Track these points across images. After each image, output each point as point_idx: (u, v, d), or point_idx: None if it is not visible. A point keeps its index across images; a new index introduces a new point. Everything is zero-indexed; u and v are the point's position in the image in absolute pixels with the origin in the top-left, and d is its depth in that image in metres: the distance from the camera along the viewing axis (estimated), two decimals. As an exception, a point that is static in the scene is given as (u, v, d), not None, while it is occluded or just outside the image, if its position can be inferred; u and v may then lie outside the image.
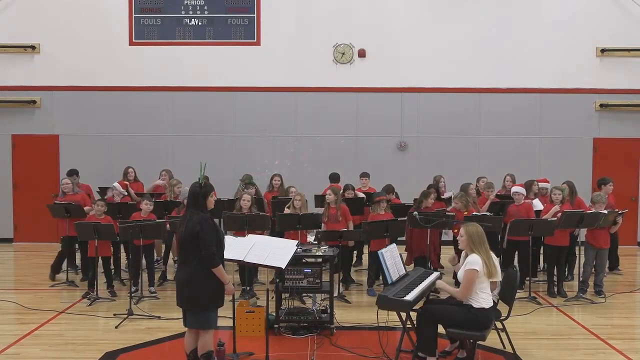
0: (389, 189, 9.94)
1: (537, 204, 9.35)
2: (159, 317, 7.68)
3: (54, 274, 9.66)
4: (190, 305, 5.37)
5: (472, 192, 9.82)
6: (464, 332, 5.84)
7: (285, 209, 9.07)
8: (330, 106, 12.89)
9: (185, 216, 5.41)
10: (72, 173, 10.46)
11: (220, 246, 5.41)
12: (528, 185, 9.73)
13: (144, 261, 8.78)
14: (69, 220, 9.16)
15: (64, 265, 9.88)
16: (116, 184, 9.97)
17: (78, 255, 10.49)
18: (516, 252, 9.22)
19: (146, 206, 8.80)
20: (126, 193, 9.90)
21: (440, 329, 5.95)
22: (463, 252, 6.06)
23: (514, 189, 9.50)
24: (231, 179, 11.16)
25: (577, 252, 9.29)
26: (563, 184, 9.42)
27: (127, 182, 10.38)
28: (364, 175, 10.76)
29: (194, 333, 5.48)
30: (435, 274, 6.56)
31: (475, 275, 5.76)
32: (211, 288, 5.30)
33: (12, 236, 12.94)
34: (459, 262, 6.20)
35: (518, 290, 8.46)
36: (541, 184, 9.88)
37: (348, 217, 9.13)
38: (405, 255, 8.66)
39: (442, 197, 10.20)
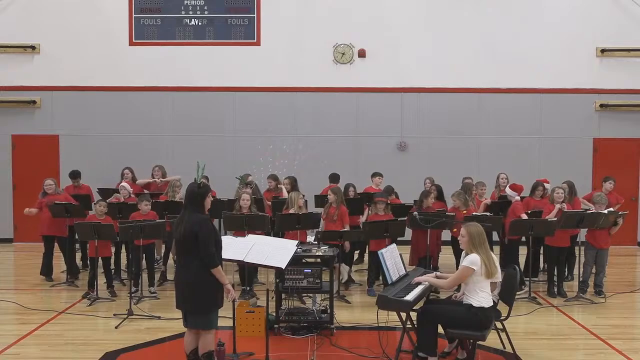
0: (389, 190, 9.94)
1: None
2: (159, 317, 7.68)
3: (49, 274, 9.67)
4: (192, 306, 5.36)
5: (475, 191, 9.83)
6: (464, 332, 5.84)
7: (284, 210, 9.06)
8: (330, 106, 12.89)
9: (183, 216, 5.37)
10: (76, 175, 10.47)
11: (219, 247, 5.40)
12: (534, 187, 9.65)
13: (144, 262, 8.78)
14: (67, 220, 9.20)
15: (64, 265, 9.90)
16: (124, 184, 9.95)
17: (78, 255, 10.51)
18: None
19: (146, 207, 8.81)
20: (131, 192, 9.89)
21: (441, 329, 5.95)
22: (463, 252, 6.06)
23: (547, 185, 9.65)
24: (231, 179, 11.15)
25: (576, 253, 9.29)
26: (563, 183, 9.41)
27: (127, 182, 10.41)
28: (377, 174, 10.73)
29: (194, 333, 5.47)
30: (434, 274, 6.55)
31: (470, 274, 5.76)
32: (213, 289, 5.30)
33: (12, 236, 12.94)
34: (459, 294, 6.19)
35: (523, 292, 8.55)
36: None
37: (345, 220, 9.10)
38: (407, 256, 8.67)
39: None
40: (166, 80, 12.78)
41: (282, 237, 8.64)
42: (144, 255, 8.69)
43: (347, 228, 9.05)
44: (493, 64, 12.74)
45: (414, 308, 5.93)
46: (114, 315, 7.73)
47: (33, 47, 12.76)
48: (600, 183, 10.08)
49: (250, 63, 12.78)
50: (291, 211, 8.86)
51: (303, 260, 7.29)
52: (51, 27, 12.73)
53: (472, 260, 5.77)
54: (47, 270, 9.64)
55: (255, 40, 12.84)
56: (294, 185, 10.38)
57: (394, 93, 12.86)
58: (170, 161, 12.09)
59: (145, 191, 10.51)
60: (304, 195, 9.50)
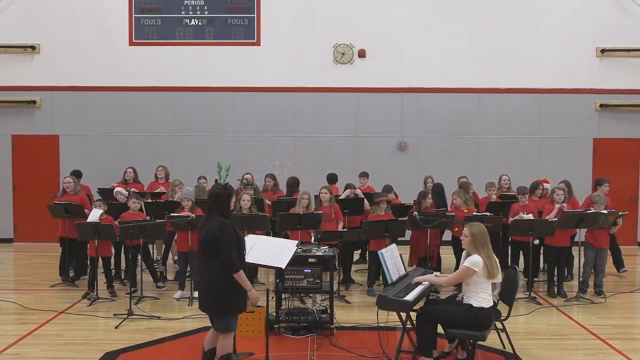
0: (388, 189, 9.93)
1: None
2: (159, 317, 7.68)
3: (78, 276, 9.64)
4: (211, 309, 5.36)
5: (471, 191, 9.84)
6: (464, 332, 5.83)
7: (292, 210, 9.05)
8: (330, 106, 12.89)
9: (207, 219, 5.36)
10: (78, 175, 10.44)
11: (241, 252, 5.36)
12: (533, 187, 9.65)
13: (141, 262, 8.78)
14: (69, 221, 9.16)
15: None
16: (119, 189, 9.91)
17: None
18: (520, 253, 9.25)
19: (134, 204, 8.78)
20: (127, 193, 9.85)
21: (440, 329, 5.95)
22: (464, 251, 6.05)
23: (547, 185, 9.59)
24: (231, 179, 11.14)
25: (577, 252, 9.27)
26: (560, 183, 9.40)
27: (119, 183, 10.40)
28: (363, 175, 10.74)
29: (215, 333, 5.48)
30: (435, 274, 6.55)
31: (471, 274, 5.75)
32: (232, 293, 5.26)
33: (12, 236, 12.94)
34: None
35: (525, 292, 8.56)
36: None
37: (339, 217, 9.14)
38: (407, 257, 8.67)
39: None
40: (166, 80, 12.78)
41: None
42: (138, 255, 8.69)
43: (340, 225, 9.09)
44: (493, 64, 12.74)
45: (414, 308, 5.93)
46: (114, 315, 7.73)
47: (33, 47, 12.76)
48: (595, 185, 10.01)
49: (250, 63, 12.78)
50: (300, 211, 8.85)
51: (309, 260, 7.30)
52: (51, 27, 12.73)
53: (474, 261, 5.76)
54: (75, 270, 9.61)
55: (255, 40, 12.84)
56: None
57: (394, 93, 12.86)
58: (170, 161, 12.09)
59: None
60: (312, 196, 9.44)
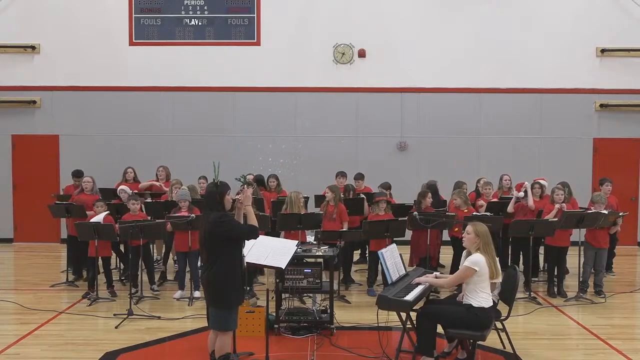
0: (386, 186, 9.92)
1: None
2: (159, 317, 7.68)
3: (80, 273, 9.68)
4: (211, 303, 5.42)
5: (465, 190, 9.85)
6: (464, 332, 5.83)
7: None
8: (330, 106, 12.89)
9: (205, 218, 5.42)
10: (79, 175, 10.43)
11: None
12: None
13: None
14: (71, 220, 9.16)
15: (64, 265, 9.89)
16: (124, 187, 9.90)
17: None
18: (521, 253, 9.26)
19: (133, 206, 8.77)
20: (131, 193, 9.83)
21: (440, 329, 5.95)
22: (464, 251, 6.05)
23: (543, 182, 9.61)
24: (231, 179, 11.11)
25: (578, 252, 9.27)
26: (558, 184, 9.38)
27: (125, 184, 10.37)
28: (358, 177, 10.68)
29: (216, 333, 5.49)
30: (435, 274, 6.54)
31: (471, 274, 5.75)
32: (228, 287, 5.29)
33: (12, 236, 12.94)
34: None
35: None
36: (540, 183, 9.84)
37: (344, 218, 9.10)
38: (407, 256, 8.66)
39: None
40: (166, 80, 12.78)
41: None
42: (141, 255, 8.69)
43: (345, 226, 9.05)
44: (493, 64, 12.75)
45: (414, 308, 5.93)
46: (114, 315, 7.73)
47: (33, 47, 12.76)
48: (598, 184, 10.02)
49: (250, 63, 12.78)
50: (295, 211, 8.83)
51: (304, 260, 7.30)
52: (51, 27, 12.74)
53: (474, 260, 5.75)
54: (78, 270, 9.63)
55: (255, 40, 12.84)
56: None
57: (394, 93, 12.86)
58: (170, 161, 12.05)
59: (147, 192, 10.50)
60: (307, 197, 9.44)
